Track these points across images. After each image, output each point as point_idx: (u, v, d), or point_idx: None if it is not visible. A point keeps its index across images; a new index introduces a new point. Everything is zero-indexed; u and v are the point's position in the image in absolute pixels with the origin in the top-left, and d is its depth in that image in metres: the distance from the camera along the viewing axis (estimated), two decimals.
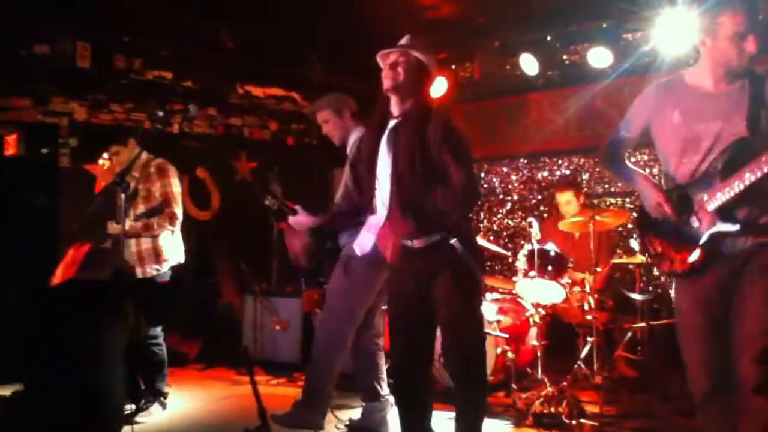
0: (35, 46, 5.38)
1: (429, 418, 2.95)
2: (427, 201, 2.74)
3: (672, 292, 2.79)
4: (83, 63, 5.60)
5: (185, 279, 4.95)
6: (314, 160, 7.18)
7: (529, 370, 4.72)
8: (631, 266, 4.92)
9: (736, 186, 2.39)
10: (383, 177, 2.87)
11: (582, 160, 6.44)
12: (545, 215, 6.33)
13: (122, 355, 2.85)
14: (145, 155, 4.25)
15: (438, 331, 2.93)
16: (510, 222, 6.88)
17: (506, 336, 4.51)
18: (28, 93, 5.40)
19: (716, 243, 2.48)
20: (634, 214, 5.17)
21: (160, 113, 4.70)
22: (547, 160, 6.69)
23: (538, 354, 4.37)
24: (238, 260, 5.98)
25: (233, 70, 6.62)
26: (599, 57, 5.74)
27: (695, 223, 2.52)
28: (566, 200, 5.18)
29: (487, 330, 4.34)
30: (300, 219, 3.59)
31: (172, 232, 4.24)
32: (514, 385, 4.41)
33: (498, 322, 4.59)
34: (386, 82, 2.84)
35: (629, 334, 4.67)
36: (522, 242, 6.02)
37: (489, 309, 4.66)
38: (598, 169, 6.32)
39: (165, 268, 4.22)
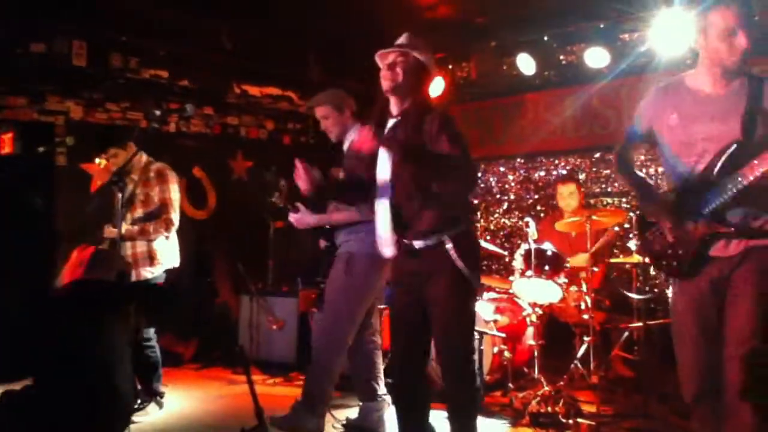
0: (31, 44, 5.36)
1: (427, 417, 2.96)
2: (426, 199, 2.74)
3: (669, 292, 2.80)
4: (79, 62, 5.59)
5: (182, 279, 4.94)
6: (311, 160, 7.16)
7: (525, 370, 4.73)
8: (627, 266, 4.93)
9: (729, 189, 2.41)
10: (383, 176, 2.87)
11: (579, 160, 6.44)
12: (542, 215, 6.34)
13: (129, 354, 2.89)
14: (144, 157, 4.25)
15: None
16: (507, 221, 6.89)
17: (503, 335, 4.51)
18: (23, 91, 5.38)
19: (710, 245, 2.49)
20: (631, 214, 5.19)
21: (157, 112, 4.70)
22: (543, 160, 6.69)
23: (535, 353, 4.38)
24: (235, 259, 5.97)
25: (230, 69, 6.61)
26: (596, 57, 5.74)
27: (690, 226, 2.53)
28: (569, 192, 5.18)
29: (483, 329, 4.35)
30: (303, 218, 3.60)
31: (168, 236, 4.25)
32: (510, 385, 4.42)
33: (495, 321, 4.60)
34: (385, 83, 2.83)
35: (626, 334, 4.68)
36: (519, 242, 6.04)
37: (486, 308, 4.67)
38: (594, 169, 6.33)
39: (159, 271, 4.22)
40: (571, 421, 3.82)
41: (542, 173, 6.71)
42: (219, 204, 6.62)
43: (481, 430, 2.89)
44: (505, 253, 5.83)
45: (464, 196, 2.98)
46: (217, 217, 6.59)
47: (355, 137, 3.66)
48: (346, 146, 3.80)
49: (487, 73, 6.53)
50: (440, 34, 6.02)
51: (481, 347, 4.32)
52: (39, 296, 2.90)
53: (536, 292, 4.48)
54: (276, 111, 7.16)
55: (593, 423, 3.83)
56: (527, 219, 4.54)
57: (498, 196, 6.97)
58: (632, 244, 4.52)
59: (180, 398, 4.63)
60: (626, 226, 5.58)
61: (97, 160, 4.29)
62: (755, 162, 2.34)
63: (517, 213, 6.80)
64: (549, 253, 4.46)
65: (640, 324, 4.36)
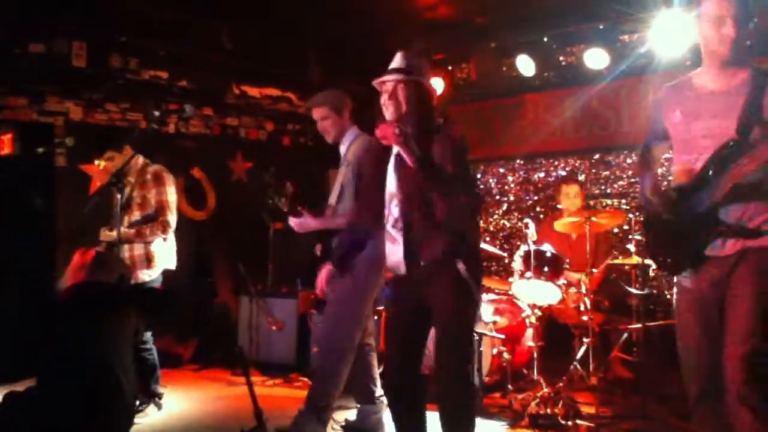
0: (31, 44, 5.35)
1: (425, 418, 2.95)
2: (433, 218, 2.72)
3: (668, 293, 2.80)
4: (79, 62, 5.59)
5: (182, 279, 4.95)
6: (310, 161, 7.17)
7: (525, 371, 4.72)
8: (627, 267, 4.93)
9: (722, 188, 2.41)
10: (391, 197, 2.85)
11: (578, 161, 6.44)
12: (541, 216, 6.34)
13: (130, 355, 2.91)
14: (141, 160, 4.25)
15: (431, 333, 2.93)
16: (506, 223, 6.89)
17: (502, 337, 4.51)
18: (23, 92, 5.38)
19: (707, 244, 2.49)
20: (630, 216, 5.19)
21: (156, 113, 4.67)
22: (543, 161, 6.69)
23: (534, 355, 4.38)
24: (234, 260, 5.97)
25: (229, 70, 6.61)
26: (596, 58, 5.74)
27: (690, 225, 2.53)
28: (574, 192, 5.20)
29: (483, 331, 4.35)
30: (304, 221, 3.57)
31: (165, 239, 4.24)
32: (510, 386, 4.41)
33: (494, 323, 4.59)
34: (388, 114, 2.78)
35: (625, 335, 4.68)
36: (518, 243, 6.03)
37: (485, 310, 4.66)
38: (594, 170, 6.33)
39: (156, 273, 4.24)
40: (570, 423, 3.82)
41: (542, 174, 6.70)
42: (218, 205, 6.62)
43: (480, 431, 2.89)
44: (505, 254, 5.83)
45: (468, 215, 2.94)
46: (217, 218, 6.59)
47: (362, 137, 3.65)
48: (342, 149, 3.78)
49: (487, 73, 6.52)
50: (440, 34, 6.04)
51: (481, 348, 4.32)
52: (39, 296, 2.91)
53: (535, 293, 4.48)
54: (276, 112, 7.16)
55: (592, 424, 3.83)
56: (527, 220, 4.54)
57: (497, 197, 6.97)
58: (631, 246, 4.52)
59: (179, 399, 4.63)
60: (625, 227, 5.58)
61: (96, 162, 4.29)
62: (745, 161, 2.34)
63: (516, 214, 6.80)
64: (548, 254, 4.45)
65: (639, 325, 4.36)
